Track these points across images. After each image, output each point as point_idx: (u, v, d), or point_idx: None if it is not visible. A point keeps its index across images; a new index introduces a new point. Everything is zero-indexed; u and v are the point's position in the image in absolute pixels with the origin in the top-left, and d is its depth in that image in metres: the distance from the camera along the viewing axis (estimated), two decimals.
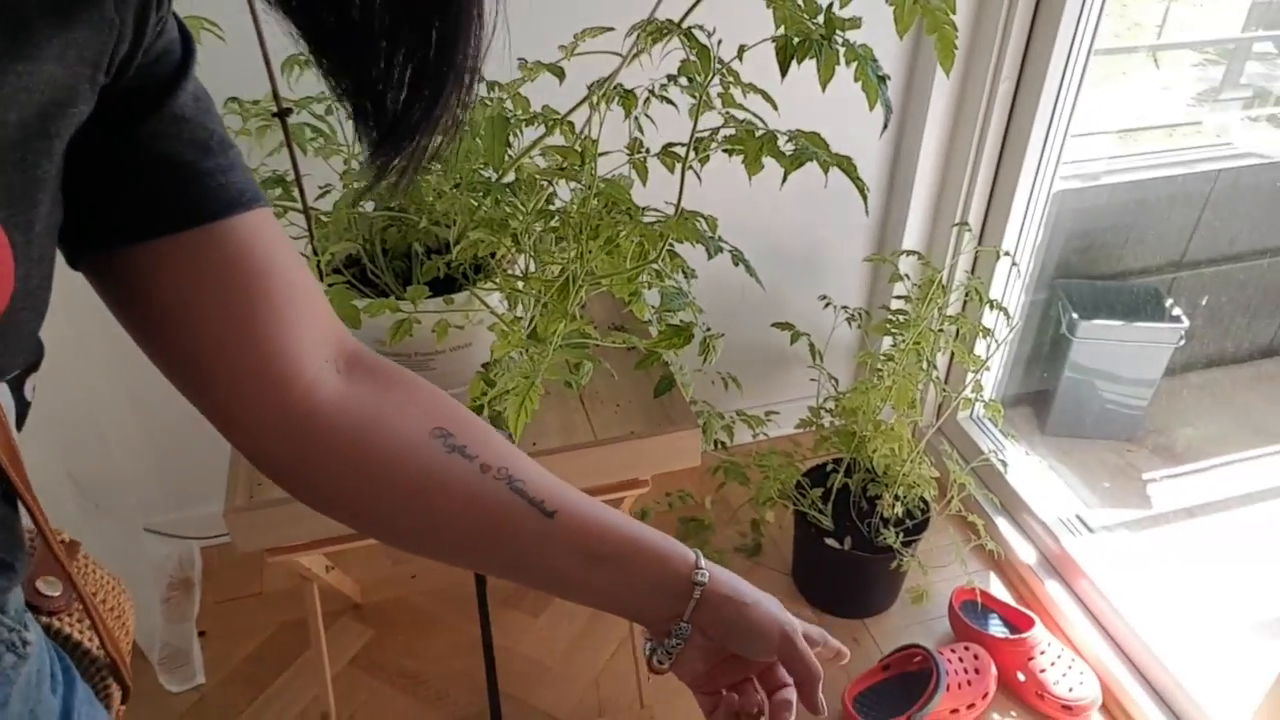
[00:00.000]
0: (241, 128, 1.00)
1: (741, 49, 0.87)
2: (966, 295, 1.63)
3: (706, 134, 0.89)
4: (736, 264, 1.17)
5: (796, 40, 0.80)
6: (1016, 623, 1.60)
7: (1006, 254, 1.62)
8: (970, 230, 1.67)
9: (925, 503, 1.63)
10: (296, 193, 1.01)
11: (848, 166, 0.86)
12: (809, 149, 0.84)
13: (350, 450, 0.53)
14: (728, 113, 0.99)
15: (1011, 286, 1.73)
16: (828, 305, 1.68)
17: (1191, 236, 2.07)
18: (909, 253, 1.63)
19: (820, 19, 0.82)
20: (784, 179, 0.87)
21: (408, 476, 0.54)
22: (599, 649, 1.63)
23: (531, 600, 1.72)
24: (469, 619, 1.69)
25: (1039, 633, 1.55)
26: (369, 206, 1.09)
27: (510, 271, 1.07)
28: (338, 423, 0.53)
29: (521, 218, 0.86)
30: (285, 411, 0.52)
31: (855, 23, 0.82)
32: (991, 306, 1.60)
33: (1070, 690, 1.48)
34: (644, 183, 0.94)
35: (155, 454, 1.71)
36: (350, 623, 1.69)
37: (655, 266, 0.87)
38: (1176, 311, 1.98)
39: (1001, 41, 1.47)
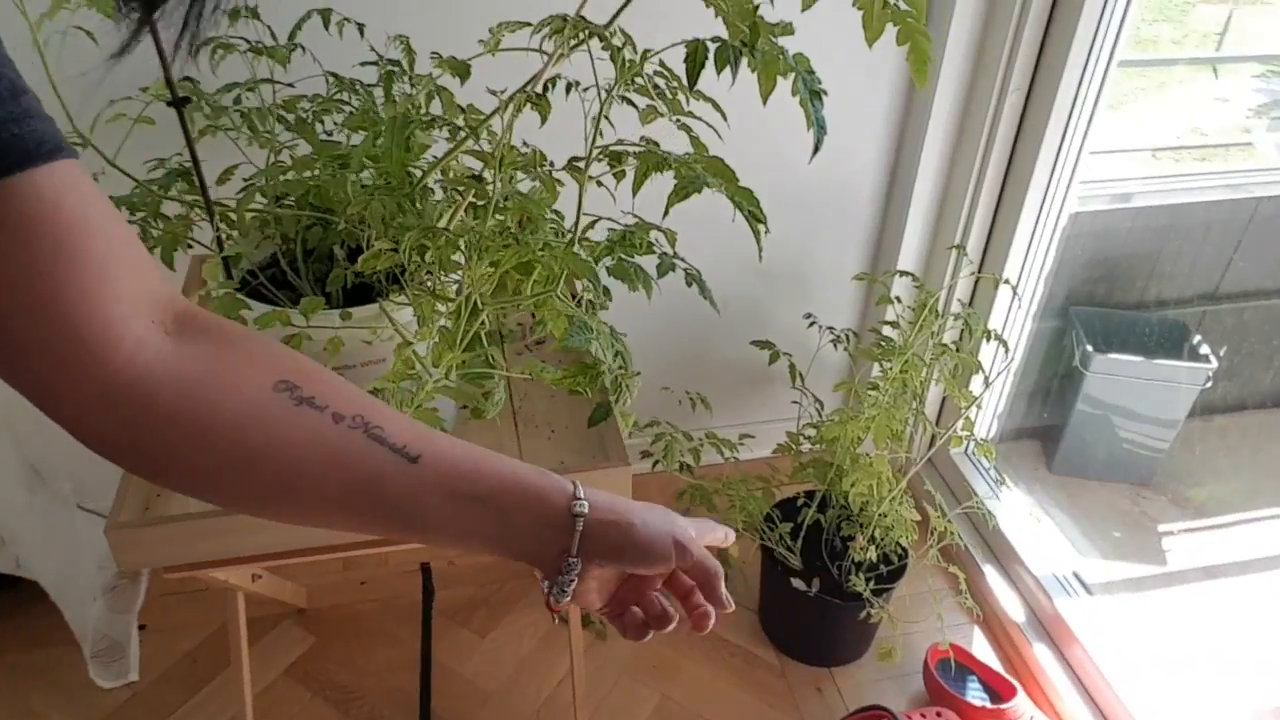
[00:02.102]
0: (140, 115, 0.92)
1: (645, 54, 0.76)
2: (969, 324, 1.50)
3: (608, 147, 0.79)
4: (689, 284, 1.07)
5: (714, 46, 0.69)
6: (998, 689, 1.48)
7: (1006, 282, 1.49)
8: (968, 255, 1.54)
9: (903, 548, 1.51)
10: (198, 185, 0.93)
11: (748, 201, 0.75)
12: (699, 177, 0.73)
13: (182, 415, 0.49)
14: (679, 120, 0.89)
15: (1014, 315, 1.60)
16: (812, 324, 1.57)
17: (1227, 268, 1.91)
18: (902, 273, 1.51)
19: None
20: (665, 210, 0.77)
21: (251, 436, 0.50)
22: (544, 677, 1.54)
23: (481, 619, 1.64)
24: (414, 632, 1.61)
25: (1021, 703, 1.43)
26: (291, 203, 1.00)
27: (430, 285, 0.98)
28: (167, 388, 0.49)
29: (412, 231, 0.77)
30: (107, 381, 0.48)
31: (787, 28, 0.71)
32: (988, 338, 1.47)
33: None
34: (550, 196, 0.84)
35: None
36: (291, 628, 1.62)
37: (556, 294, 0.77)
38: (1204, 349, 1.83)
39: (1011, 50, 1.33)
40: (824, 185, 1.60)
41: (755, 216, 0.74)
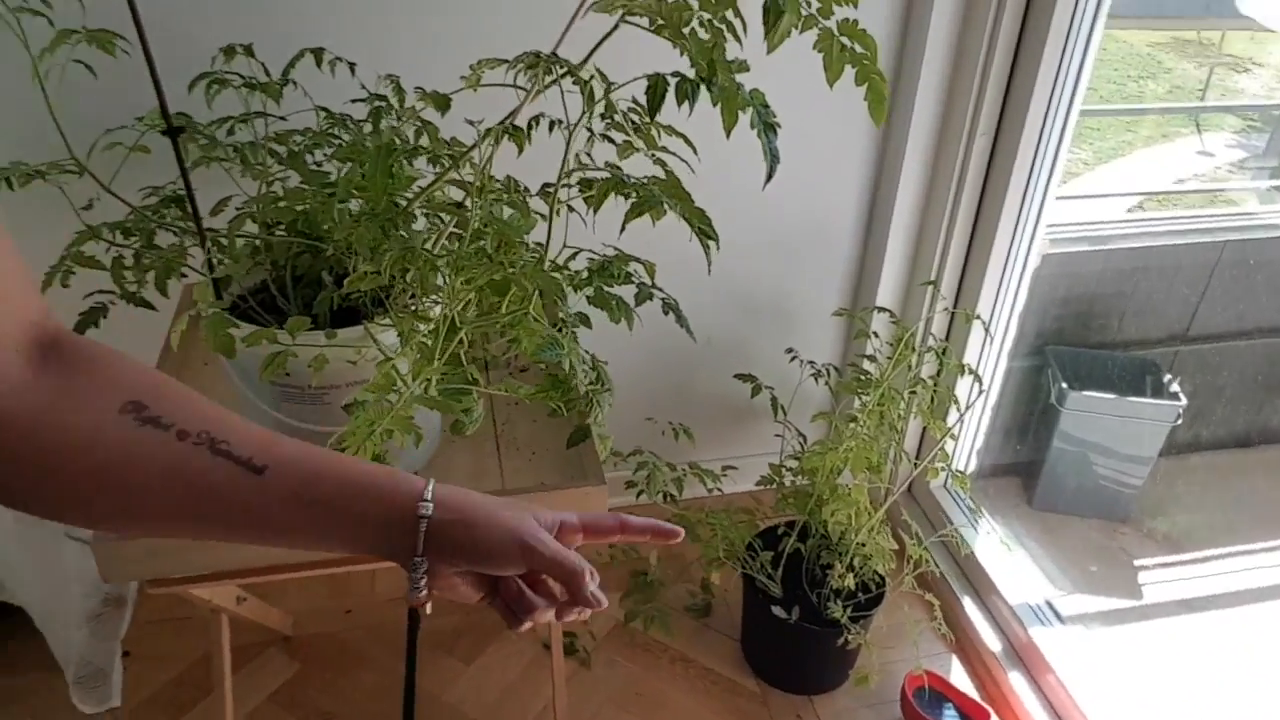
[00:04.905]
0: (136, 143, 0.97)
1: (610, 88, 0.81)
2: (940, 359, 1.54)
3: (573, 171, 0.83)
4: (666, 313, 1.11)
5: (674, 81, 0.74)
6: (974, 716, 1.49)
7: (978, 318, 1.53)
8: (940, 290, 1.58)
9: (881, 576, 1.53)
10: (191, 210, 0.97)
11: (699, 219, 0.79)
12: (655, 197, 0.77)
13: (30, 446, 0.51)
14: (653, 154, 0.94)
15: (988, 351, 1.64)
16: (794, 359, 1.61)
17: (1197, 309, 1.96)
18: (879, 309, 1.55)
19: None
20: (622, 226, 0.81)
21: (93, 459, 0.51)
22: (527, 704, 1.55)
23: (466, 646, 1.65)
24: (399, 659, 1.62)
25: None
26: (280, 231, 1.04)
27: (413, 306, 1.02)
28: (20, 420, 0.50)
29: (392, 252, 0.81)
30: None
31: (743, 66, 0.76)
32: (962, 372, 1.51)
33: None
34: (527, 223, 0.88)
35: None
36: (277, 655, 1.63)
37: (530, 313, 0.81)
38: (1175, 388, 1.87)
39: (979, 94, 1.39)
40: (805, 224, 1.65)
41: (705, 233, 0.78)
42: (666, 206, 0.77)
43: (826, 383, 1.62)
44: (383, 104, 1.02)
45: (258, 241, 1.05)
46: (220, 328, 0.92)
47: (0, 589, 1.55)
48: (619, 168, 0.84)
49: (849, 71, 0.86)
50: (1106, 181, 2.82)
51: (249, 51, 1.04)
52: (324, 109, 1.05)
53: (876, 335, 1.58)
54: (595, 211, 0.83)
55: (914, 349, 1.52)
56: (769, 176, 0.75)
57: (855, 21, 0.84)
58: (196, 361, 1.25)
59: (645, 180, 0.83)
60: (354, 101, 1.09)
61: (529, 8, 1.31)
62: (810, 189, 1.61)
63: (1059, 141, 1.40)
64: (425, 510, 0.56)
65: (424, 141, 1.01)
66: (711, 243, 0.78)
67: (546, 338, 0.81)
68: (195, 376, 1.22)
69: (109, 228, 0.99)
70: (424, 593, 0.59)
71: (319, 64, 1.08)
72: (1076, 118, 1.40)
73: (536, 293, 0.79)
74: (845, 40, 0.84)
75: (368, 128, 1.06)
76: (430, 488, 0.57)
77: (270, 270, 1.08)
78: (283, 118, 1.05)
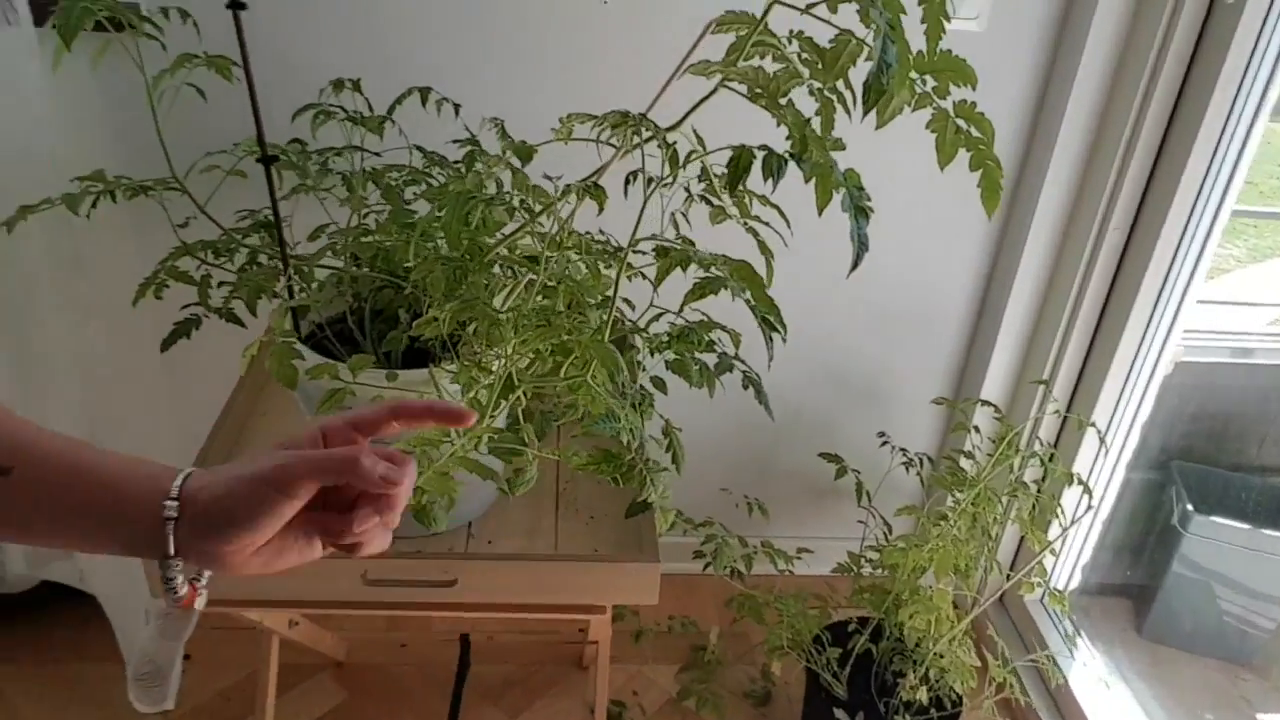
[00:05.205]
0: (233, 168, 0.98)
1: (691, 155, 0.77)
2: (1046, 465, 1.42)
3: (638, 241, 0.79)
4: (746, 387, 1.05)
5: (763, 155, 0.69)
6: None
7: (1093, 425, 1.40)
8: (1052, 391, 1.46)
9: (957, 695, 1.40)
10: (277, 237, 0.98)
11: (766, 308, 0.73)
12: (720, 280, 0.72)
13: None
14: (745, 222, 0.89)
15: (1102, 462, 1.50)
16: (885, 444, 1.51)
17: None
18: (983, 403, 1.44)
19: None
20: (681, 307, 0.76)
21: None
22: None
23: (513, 699, 1.60)
24: (445, 700, 1.59)
25: None
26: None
27: (478, 357, 1.00)
28: None
29: (453, 304, 0.78)
30: None
31: (838, 144, 0.70)
32: (1071, 481, 1.38)
33: None
34: (597, 284, 0.84)
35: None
36: (326, 681, 1.62)
37: (589, 379, 0.77)
38: None
39: (1115, 185, 1.28)
40: (911, 302, 1.56)
41: (770, 324, 0.72)
42: (732, 291, 0.72)
43: (918, 473, 1.52)
44: (476, 148, 1.00)
45: (342, 273, 1.06)
46: (286, 357, 0.92)
47: (81, 578, 1.60)
48: (691, 242, 0.80)
49: (964, 154, 0.80)
50: (1258, 285, 2.59)
51: (356, 87, 1.06)
52: (419, 147, 1.05)
53: (977, 430, 1.47)
54: (657, 286, 0.78)
55: (1018, 450, 1.41)
56: (854, 264, 0.69)
57: (973, 104, 0.78)
58: (274, 382, 1.26)
59: (719, 257, 0.78)
60: (455, 143, 1.09)
61: (637, 64, 1.30)
62: (920, 266, 1.52)
63: (1204, 242, 1.27)
64: (170, 512, 0.53)
65: (513, 187, 1.00)
66: (776, 335, 0.73)
67: (604, 409, 0.76)
68: (272, 397, 1.23)
69: (202, 246, 1.01)
70: (181, 594, 0.57)
71: (424, 103, 1.09)
72: (1227, 218, 1.28)
73: (594, 361, 0.75)
74: (961, 123, 0.78)
75: (462, 169, 1.05)
76: (178, 483, 0.54)
77: (351, 302, 1.08)
78: (378, 154, 1.05)
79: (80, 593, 1.60)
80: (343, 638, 1.65)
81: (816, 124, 0.79)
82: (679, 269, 0.77)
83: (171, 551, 0.54)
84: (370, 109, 1.06)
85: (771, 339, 0.74)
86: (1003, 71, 1.35)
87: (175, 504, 0.54)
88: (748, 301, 0.73)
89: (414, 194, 1.02)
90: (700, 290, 0.73)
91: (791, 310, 1.03)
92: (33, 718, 1.52)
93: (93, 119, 1.27)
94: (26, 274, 1.28)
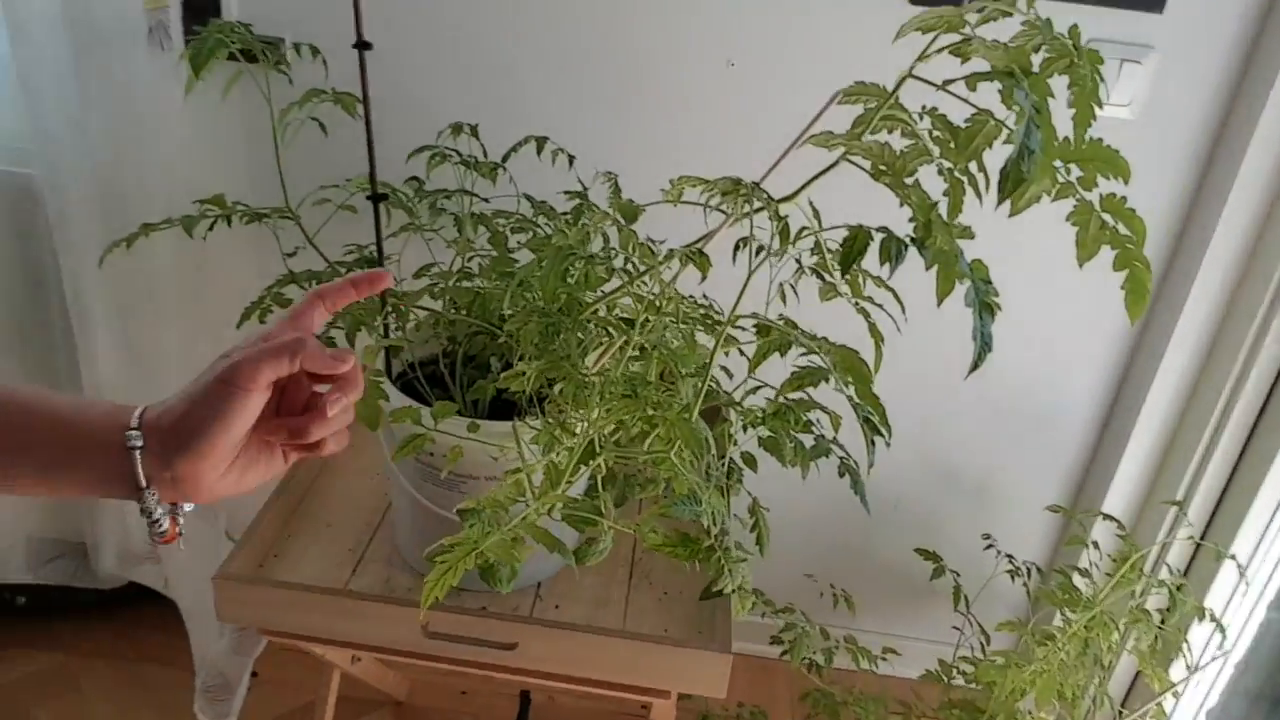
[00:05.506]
0: (344, 203, 0.99)
1: (801, 232, 0.71)
2: (1174, 595, 1.29)
3: (748, 316, 0.74)
4: (841, 475, 0.98)
5: (881, 238, 0.63)
6: None
7: (1233, 558, 1.26)
8: (1186, 514, 1.33)
9: None
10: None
11: (871, 406, 0.66)
12: (821, 372, 0.66)
13: None
14: (857, 302, 0.83)
15: (1240, 597, 1.35)
16: (990, 547, 1.41)
17: None
18: (1105, 517, 1.32)
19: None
20: (776, 396, 0.71)
21: None
22: None
23: None
24: None
25: None
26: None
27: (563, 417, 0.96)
28: None
29: (540, 362, 0.75)
30: None
31: (966, 232, 0.64)
32: (1201, 616, 1.25)
33: None
34: (692, 356, 0.80)
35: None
36: (385, 718, 1.60)
37: (672, 456, 0.72)
38: None
39: (1276, 293, 1.16)
40: (1032, 398, 1.46)
41: (873, 427, 0.66)
42: (836, 383, 0.66)
43: (1024, 584, 1.40)
44: (584, 201, 0.99)
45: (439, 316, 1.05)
46: (372, 397, 0.91)
47: (165, 584, 1.64)
48: (794, 323, 0.75)
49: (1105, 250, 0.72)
50: None
51: (474, 132, 1.06)
52: (528, 196, 1.04)
53: (1096, 546, 1.35)
54: (753, 369, 0.73)
55: (1142, 574, 1.28)
56: (975, 364, 0.62)
57: (1123, 198, 0.71)
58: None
59: (823, 341, 0.72)
60: (564, 193, 1.07)
61: (757, 128, 1.27)
62: (1044, 360, 1.42)
63: None
64: (134, 441, 0.54)
65: (620, 245, 0.97)
66: (880, 439, 0.66)
67: (687, 489, 0.71)
68: (356, 429, 1.23)
69: (308, 276, 1.02)
70: (164, 528, 0.57)
71: (539, 152, 1.08)
72: None
73: (679, 439, 0.70)
74: (1108, 218, 0.70)
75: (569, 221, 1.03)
76: (138, 413, 0.55)
77: (445, 345, 1.08)
78: (486, 200, 1.04)
79: (164, 598, 1.64)
80: (404, 677, 1.62)
81: (942, 205, 0.73)
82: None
83: (144, 483, 0.54)
84: (485, 154, 1.06)
85: (874, 442, 0.68)
86: (1152, 163, 1.26)
87: (138, 433, 0.54)
88: (851, 399, 0.68)
89: (519, 242, 1.00)
90: (799, 381, 0.68)
91: (897, 392, 0.96)
92: (101, 715, 1.55)
93: (221, 143, 1.32)
94: (150, 284, 1.33)
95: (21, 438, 0.54)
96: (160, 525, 0.57)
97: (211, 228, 0.96)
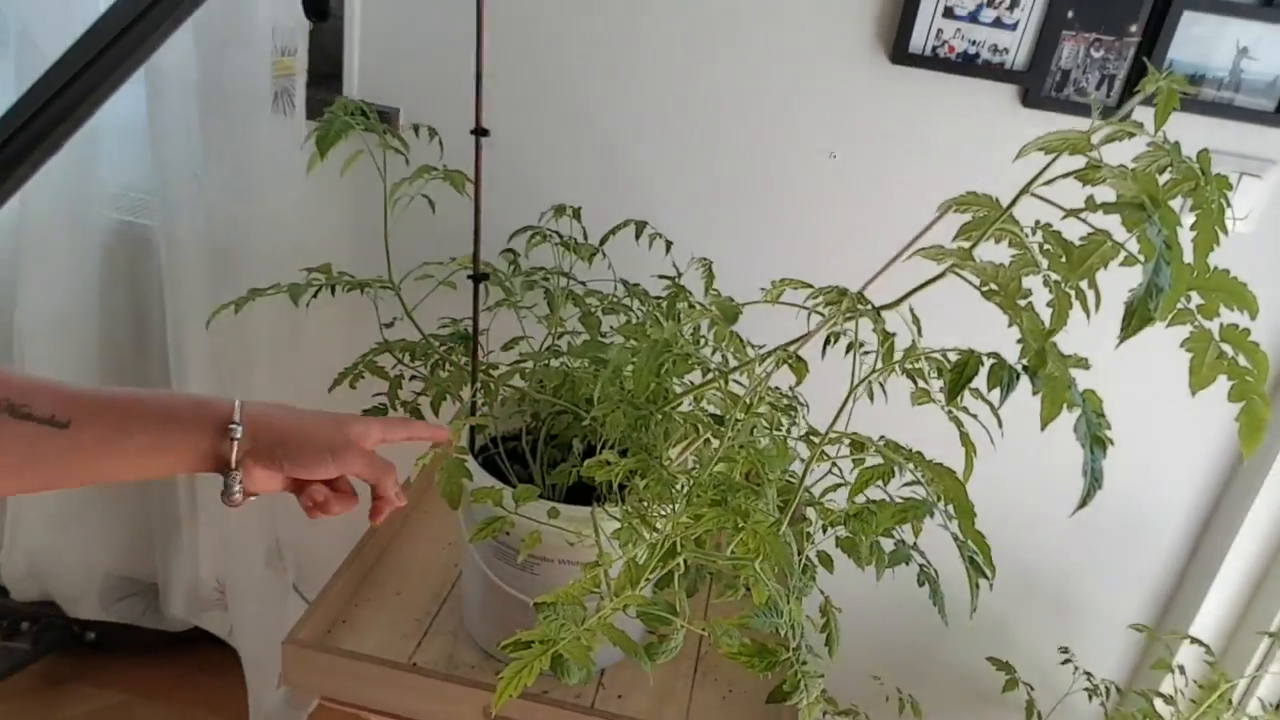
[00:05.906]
0: (445, 279, 1.01)
1: (909, 351, 0.71)
2: None
3: (839, 438, 0.73)
4: (921, 584, 0.95)
5: (991, 363, 0.62)
6: None
7: None
8: None
9: None
10: (471, 352, 0.99)
11: (976, 543, 0.64)
12: (924, 506, 0.64)
13: None
14: (950, 411, 0.82)
15: None
16: (1067, 662, 1.35)
17: None
18: (1193, 640, 1.26)
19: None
20: (879, 529, 0.69)
21: None
22: None
23: None
24: None
25: None
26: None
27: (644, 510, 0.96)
28: None
29: (627, 460, 0.75)
30: None
31: (1081, 362, 0.63)
32: None
33: None
34: (782, 460, 0.79)
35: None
36: None
37: (755, 566, 0.71)
38: None
39: None
40: (1120, 510, 1.40)
41: (978, 568, 0.64)
42: (940, 518, 0.65)
43: (1102, 704, 1.34)
44: (681, 289, 0.99)
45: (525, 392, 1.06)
46: (455, 475, 0.91)
47: (230, 633, 1.65)
48: (897, 445, 0.73)
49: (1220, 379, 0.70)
50: None
51: (576, 215, 1.08)
52: (623, 281, 1.05)
53: (1181, 671, 1.28)
54: (853, 496, 0.72)
55: (1230, 704, 1.21)
56: (1083, 501, 0.60)
57: (1245, 330, 0.68)
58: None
59: (916, 454, 0.71)
60: (659, 277, 1.08)
61: (857, 226, 1.26)
62: (1137, 469, 1.36)
63: None
64: (235, 433, 0.65)
65: (712, 336, 0.97)
66: (984, 581, 0.64)
67: (766, 598, 0.70)
68: (434, 498, 1.24)
69: (403, 347, 1.04)
70: (238, 496, 0.67)
71: (638, 236, 1.10)
72: None
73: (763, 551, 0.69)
74: (1227, 348, 0.68)
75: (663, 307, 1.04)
76: (238, 410, 0.66)
77: (529, 422, 1.08)
78: (583, 282, 1.06)
79: (226, 644, 1.65)
80: None
81: (1044, 315, 0.72)
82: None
83: (234, 465, 0.65)
84: (585, 235, 1.08)
85: (978, 585, 0.65)
86: (1265, 277, 1.22)
87: (238, 427, 0.65)
88: (955, 536, 0.66)
89: (611, 326, 1.01)
90: (902, 515, 0.66)
91: (978, 493, 0.94)
92: None
93: (331, 209, 1.37)
94: (250, 347, 1.38)
95: (129, 413, 0.62)
96: (235, 496, 0.67)
97: (315, 295, 0.98)
